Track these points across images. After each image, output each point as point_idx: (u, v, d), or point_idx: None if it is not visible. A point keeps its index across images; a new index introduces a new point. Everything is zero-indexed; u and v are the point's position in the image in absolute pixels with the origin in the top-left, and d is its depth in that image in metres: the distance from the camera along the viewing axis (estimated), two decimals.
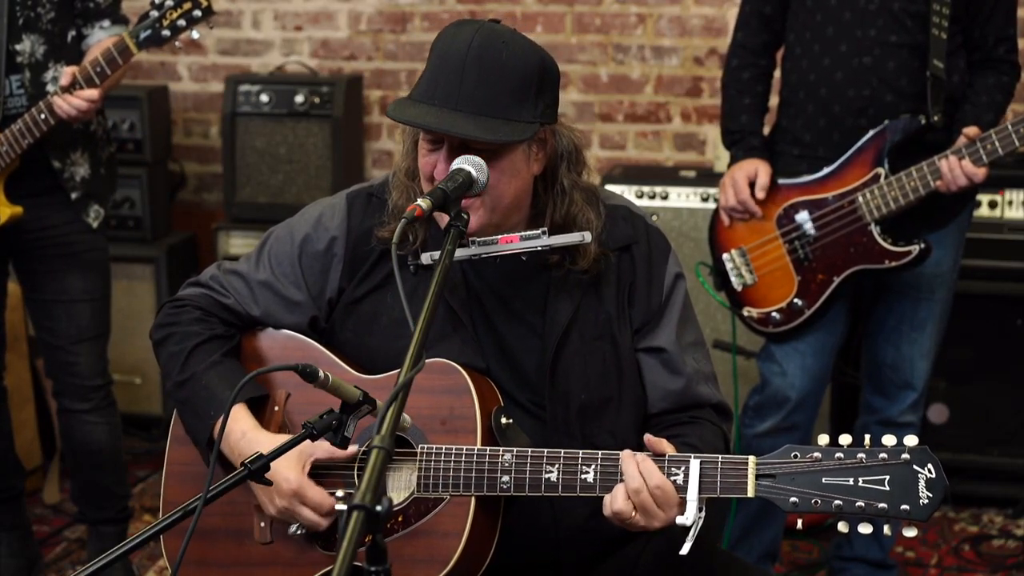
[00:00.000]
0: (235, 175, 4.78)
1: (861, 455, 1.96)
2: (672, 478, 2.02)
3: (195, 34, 3.26)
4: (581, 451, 2.08)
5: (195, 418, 2.24)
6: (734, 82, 3.41)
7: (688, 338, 2.32)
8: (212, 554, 2.24)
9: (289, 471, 2.13)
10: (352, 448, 2.12)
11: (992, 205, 4.11)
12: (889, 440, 1.96)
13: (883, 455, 1.95)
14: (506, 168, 2.13)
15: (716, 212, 3.45)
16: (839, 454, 1.97)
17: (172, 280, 4.72)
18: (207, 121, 5.21)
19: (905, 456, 1.94)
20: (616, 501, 2.02)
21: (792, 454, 1.99)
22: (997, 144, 3.11)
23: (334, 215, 2.32)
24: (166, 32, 3.22)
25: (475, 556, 2.12)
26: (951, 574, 3.89)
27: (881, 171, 3.20)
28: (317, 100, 4.73)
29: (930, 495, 1.93)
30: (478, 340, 2.23)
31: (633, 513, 2.02)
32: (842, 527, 2.00)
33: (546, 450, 2.09)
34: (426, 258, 2.19)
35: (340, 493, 2.15)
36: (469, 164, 2.08)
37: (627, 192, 4.17)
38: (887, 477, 1.94)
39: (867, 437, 1.98)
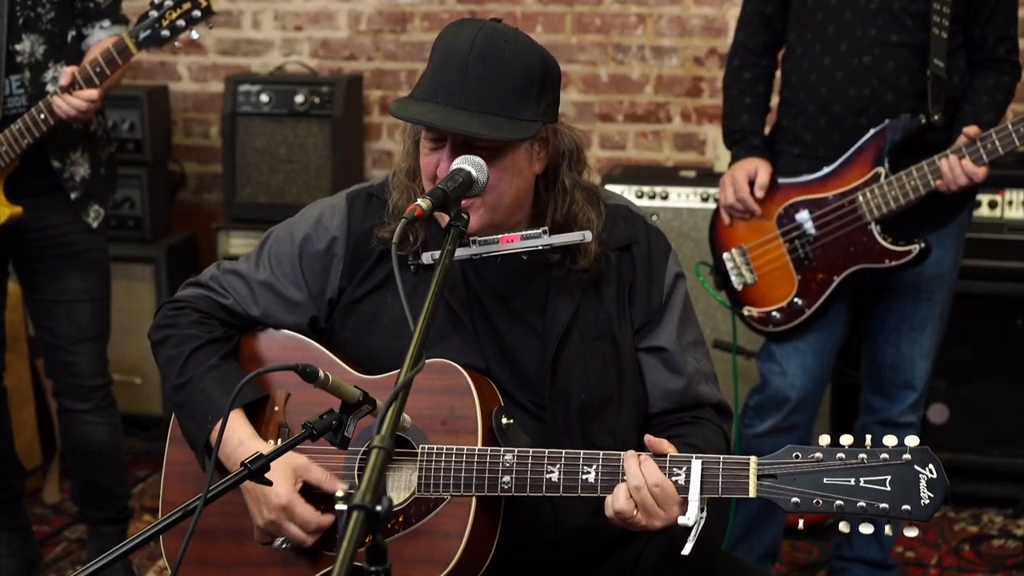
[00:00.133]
0: (235, 175, 4.78)
1: (862, 455, 1.96)
2: (674, 478, 2.02)
3: (194, 34, 3.26)
4: (582, 451, 2.08)
5: (192, 422, 2.23)
6: (735, 82, 3.41)
7: (688, 338, 2.32)
8: (212, 554, 2.24)
9: (280, 486, 2.13)
10: (342, 486, 2.13)
11: (992, 205, 4.11)
12: (890, 440, 1.96)
13: (884, 455, 1.95)
14: (508, 167, 2.13)
15: (716, 211, 3.45)
16: (840, 454, 1.97)
17: (172, 280, 4.72)
18: (207, 121, 5.21)
19: (906, 456, 1.94)
20: (618, 500, 2.02)
21: (793, 454, 1.99)
22: (997, 143, 3.11)
23: (334, 215, 2.32)
24: (165, 32, 3.22)
25: (476, 556, 2.12)
26: (951, 574, 3.89)
27: (881, 170, 3.20)
28: (317, 100, 4.73)
29: (931, 495, 1.93)
30: (478, 340, 2.23)
31: (635, 512, 2.02)
32: (843, 527, 2.00)
33: (547, 450, 2.09)
34: (427, 258, 2.19)
35: (340, 492, 2.15)
36: (469, 164, 2.08)
37: (627, 192, 4.17)
38: (888, 477, 1.94)
39: (868, 437, 1.98)
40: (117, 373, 3.95)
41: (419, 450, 2.13)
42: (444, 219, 2.07)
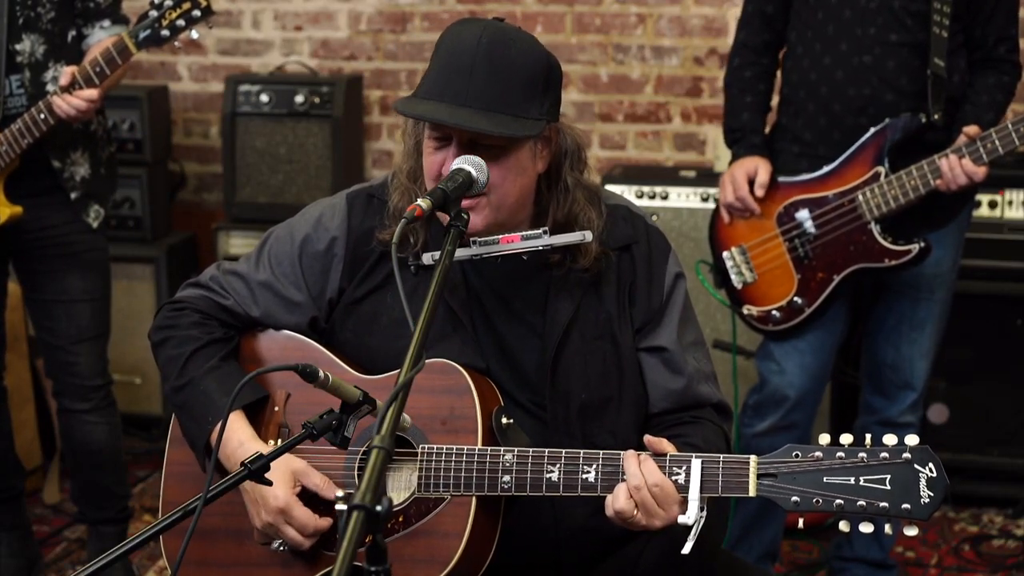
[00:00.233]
0: (235, 175, 4.77)
1: (862, 454, 1.96)
2: (674, 477, 2.02)
3: (194, 34, 3.26)
4: (582, 451, 2.08)
5: (193, 423, 2.23)
6: (736, 81, 3.41)
7: (689, 337, 2.32)
8: (212, 554, 2.24)
9: (279, 488, 2.13)
10: (339, 492, 2.13)
11: (992, 205, 4.11)
12: (890, 439, 1.96)
13: (884, 454, 1.95)
14: (513, 165, 2.14)
15: (716, 209, 3.45)
16: (840, 453, 1.97)
17: (172, 280, 4.72)
18: (207, 121, 5.21)
19: (906, 455, 1.94)
20: (618, 500, 2.02)
21: (793, 453, 1.99)
22: (997, 143, 3.11)
23: (334, 215, 2.32)
24: (165, 32, 3.22)
25: (476, 556, 2.12)
26: (951, 574, 3.89)
27: (881, 169, 3.21)
28: (317, 100, 4.73)
29: (931, 494, 1.93)
30: (478, 340, 2.23)
31: (635, 512, 2.02)
32: (843, 526, 2.00)
33: (547, 450, 2.09)
34: (427, 258, 2.19)
35: (340, 493, 2.15)
36: (469, 164, 2.08)
37: (627, 192, 4.17)
38: (888, 476, 1.94)
39: (868, 436, 1.99)
40: (117, 373, 3.95)
41: (419, 450, 2.13)
42: (446, 219, 2.07)
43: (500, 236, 2.16)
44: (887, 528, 1.96)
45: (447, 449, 2.11)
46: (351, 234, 2.30)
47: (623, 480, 2.03)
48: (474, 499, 2.10)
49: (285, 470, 2.15)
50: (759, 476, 1.99)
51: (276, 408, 2.26)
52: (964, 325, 4.08)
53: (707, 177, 4.27)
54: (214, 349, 2.28)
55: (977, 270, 4.09)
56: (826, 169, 3.27)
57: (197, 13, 3.22)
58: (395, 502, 2.14)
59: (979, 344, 4.17)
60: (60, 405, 3.65)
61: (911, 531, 1.95)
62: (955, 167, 3.12)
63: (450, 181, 2.03)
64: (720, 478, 2.01)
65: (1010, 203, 4.11)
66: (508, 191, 2.15)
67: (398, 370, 1.75)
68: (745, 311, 3.39)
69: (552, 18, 4.87)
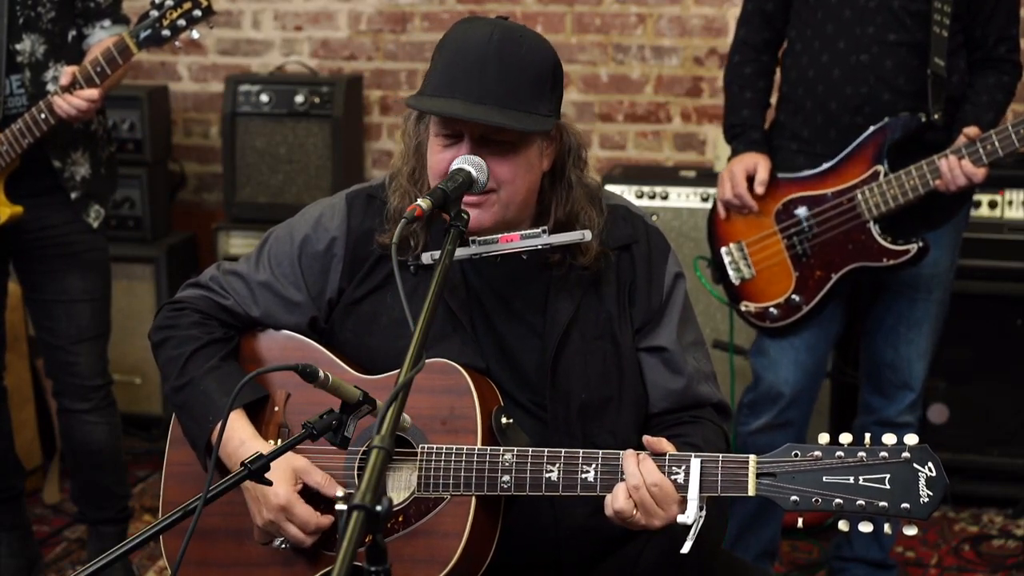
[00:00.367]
0: (235, 175, 4.78)
1: (862, 454, 1.96)
2: (673, 477, 2.02)
3: (195, 34, 3.26)
4: (581, 451, 2.08)
5: (193, 423, 2.24)
6: (736, 77, 3.42)
7: (689, 337, 2.32)
8: (212, 554, 2.24)
9: (280, 486, 2.13)
10: (341, 492, 2.13)
11: (992, 205, 4.11)
12: (889, 439, 1.96)
13: (883, 454, 1.95)
14: (522, 162, 2.14)
15: (714, 205, 3.45)
16: (840, 452, 1.97)
17: (172, 280, 4.72)
18: (207, 121, 5.21)
19: (906, 455, 1.94)
20: (617, 500, 2.02)
21: (793, 453, 1.99)
22: (997, 145, 3.11)
23: (334, 215, 2.32)
24: (166, 32, 3.22)
25: (475, 556, 2.12)
26: (951, 574, 3.89)
27: (881, 168, 3.21)
28: (317, 100, 4.73)
29: (931, 493, 1.93)
30: (477, 340, 2.23)
31: (634, 511, 2.02)
32: (843, 526, 2.00)
33: (546, 450, 2.09)
34: (427, 258, 2.19)
35: (340, 493, 2.15)
36: (469, 164, 2.09)
37: (627, 192, 4.17)
38: (888, 476, 1.94)
39: (867, 436, 1.99)
40: (117, 373, 3.95)
41: (419, 450, 2.13)
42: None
43: (499, 235, 2.16)
44: (886, 528, 1.96)
45: (447, 449, 2.11)
46: (351, 234, 2.30)
47: (622, 480, 2.03)
48: (474, 499, 2.10)
49: (286, 468, 2.15)
50: (758, 475, 1.99)
51: (276, 408, 2.26)
52: (964, 325, 4.08)
53: (707, 177, 4.27)
54: (214, 349, 2.28)
55: (977, 270, 4.09)
56: (825, 167, 3.27)
57: (198, 13, 3.22)
58: (395, 502, 2.14)
59: (979, 344, 4.17)
60: (60, 405, 3.65)
61: (910, 531, 1.95)
62: (954, 168, 3.13)
63: (450, 181, 2.04)
64: (719, 478, 2.01)
65: (1010, 203, 4.11)
66: (518, 188, 2.16)
67: (398, 370, 1.75)
68: (743, 307, 3.39)
69: (552, 18, 4.87)
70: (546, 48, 2.17)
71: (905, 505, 1.94)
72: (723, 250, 3.40)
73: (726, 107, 3.45)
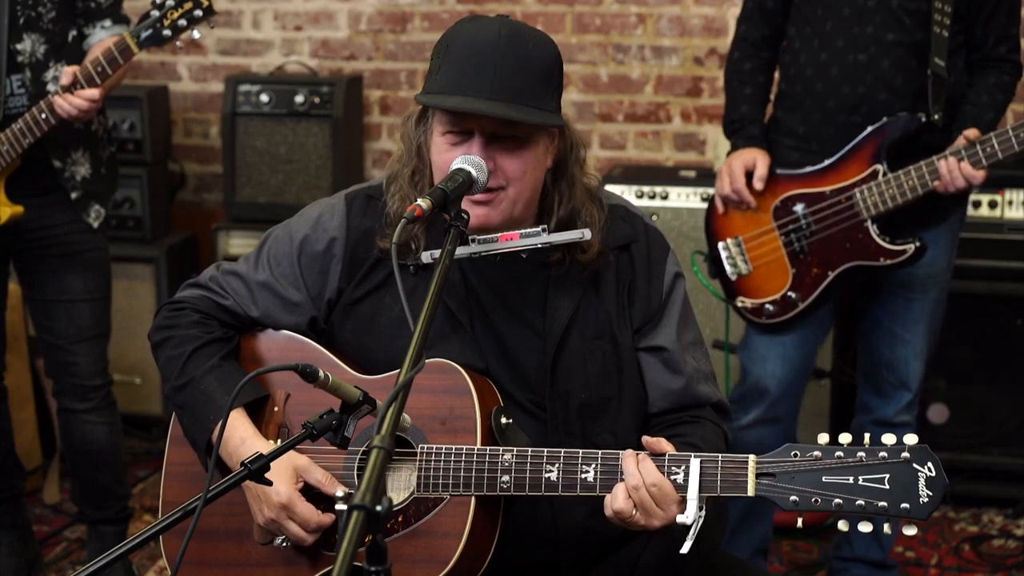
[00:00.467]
0: (235, 175, 4.78)
1: (861, 454, 1.96)
2: (672, 477, 2.02)
3: (196, 34, 3.26)
4: (581, 451, 2.08)
5: (194, 423, 2.23)
6: (736, 73, 3.43)
7: (688, 337, 2.32)
8: (212, 554, 2.24)
9: (281, 484, 2.13)
10: (342, 489, 2.13)
11: (992, 205, 4.11)
12: (889, 439, 1.96)
13: (883, 454, 1.95)
14: (531, 158, 2.15)
15: (712, 199, 3.46)
16: (839, 453, 1.97)
17: (172, 280, 4.72)
18: (207, 121, 5.21)
19: (905, 455, 1.94)
20: (616, 500, 2.02)
21: (792, 453, 1.99)
22: (997, 147, 3.12)
23: (333, 216, 2.32)
24: (167, 32, 3.22)
25: (475, 556, 2.12)
26: (951, 574, 3.89)
27: (879, 168, 3.21)
28: (317, 100, 4.73)
29: (930, 493, 1.93)
30: (476, 340, 2.23)
31: (633, 512, 2.02)
32: (842, 526, 2.00)
33: (546, 450, 2.09)
34: (426, 257, 2.20)
35: (340, 493, 2.15)
36: (469, 164, 2.09)
37: (627, 192, 4.18)
38: (887, 475, 1.94)
39: (867, 436, 1.99)
40: (117, 373, 3.96)
41: (418, 450, 2.13)
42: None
43: (499, 234, 2.16)
44: (886, 528, 1.96)
45: (446, 449, 2.11)
46: (350, 235, 2.30)
47: (621, 480, 2.03)
48: (473, 499, 2.10)
49: (287, 466, 2.15)
50: (758, 475, 1.99)
51: (276, 408, 2.26)
52: (964, 325, 4.08)
53: (707, 177, 4.27)
54: (214, 348, 2.28)
55: (977, 270, 4.09)
56: (824, 164, 3.27)
57: (199, 13, 3.22)
58: (395, 502, 2.14)
59: (979, 344, 4.18)
60: (60, 405, 3.65)
61: (910, 531, 1.95)
62: (954, 170, 3.13)
63: (450, 181, 2.04)
64: (719, 478, 2.01)
65: (1010, 203, 4.12)
66: (527, 185, 2.17)
67: (398, 370, 1.75)
68: (739, 303, 3.39)
69: (552, 18, 4.87)
70: (551, 45, 2.19)
71: (905, 505, 1.93)
72: (720, 245, 3.40)
73: (726, 102, 3.46)
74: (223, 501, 1.98)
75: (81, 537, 4.04)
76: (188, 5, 3.21)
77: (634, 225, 2.33)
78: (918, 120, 3.18)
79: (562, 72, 2.20)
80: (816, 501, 1.97)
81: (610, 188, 3.90)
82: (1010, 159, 3.16)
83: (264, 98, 4.72)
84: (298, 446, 1.96)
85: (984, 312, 4.14)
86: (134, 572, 3.75)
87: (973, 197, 4.07)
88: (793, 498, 1.98)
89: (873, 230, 3.23)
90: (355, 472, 2.19)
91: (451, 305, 2.23)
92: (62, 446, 3.94)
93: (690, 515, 2.00)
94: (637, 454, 2.05)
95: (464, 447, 2.11)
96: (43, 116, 3.26)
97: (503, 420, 2.14)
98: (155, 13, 3.22)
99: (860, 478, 1.95)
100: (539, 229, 2.17)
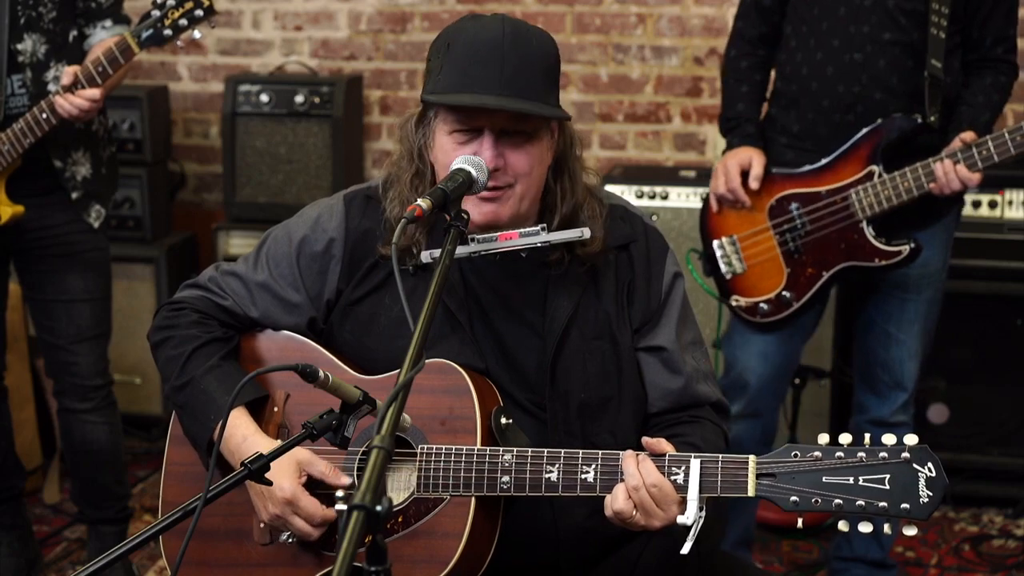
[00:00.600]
0: (235, 175, 4.78)
1: (861, 454, 1.96)
2: (672, 477, 2.02)
3: (197, 33, 3.26)
4: (581, 451, 2.08)
5: (195, 422, 2.23)
6: (732, 71, 3.43)
7: (687, 337, 2.32)
8: (212, 555, 2.24)
9: (285, 480, 2.13)
10: (345, 479, 2.14)
11: (992, 205, 4.11)
12: (889, 439, 1.96)
13: (883, 454, 1.95)
14: (537, 153, 2.16)
15: (707, 197, 3.45)
16: (839, 453, 1.97)
17: (172, 280, 4.72)
18: (207, 121, 5.21)
19: (905, 455, 1.94)
20: (617, 501, 2.02)
21: (792, 453, 1.99)
22: (992, 150, 3.12)
23: (332, 217, 2.32)
24: (168, 31, 3.22)
25: (475, 556, 2.12)
26: (951, 574, 3.89)
27: (875, 169, 3.21)
28: (317, 100, 4.73)
29: (930, 494, 1.93)
30: (476, 340, 2.23)
31: (634, 512, 2.02)
32: (842, 526, 2.00)
33: (546, 450, 2.09)
34: (425, 256, 2.20)
35: (340, 493, 2.15)
36: (469, 164, 2.09)
37: (627, 192, 4.18)
38: (887, 476, 1.94)
39: (867, 436, 1.99)
40: (117, 373, 3.95)
41: (418, 450, 2.13)
42: (466, 203, 2.09)
43: (498, 233, 2.16)
44: (886, 528, 1.96)
45: (446, 449, 2.11)
46: (349, 235, 2.30)
47: (622, 480, 2.03)
48: (473, 499, 2.10)
49: (290, 460, 2.14)
50: (758, 476, 1.99)
51: (276, 408, 2.26)
52: (964, 325, 4.08)
53: (707, 177, 4.24)
54: (214, 348, 2.28)
55: (977, 270, 4.09)
56: (819, 164, 3.27)
57: (200, 12, 3.22)
58: (395, 502, 2.14)
59: (979, 344, 4.18)
60: (60, 405, 3.65)
61: (910, 531, 1.95)
62: (949, 172, 3.13)
63: (450, 181, 2.04)
64: (719, 478, 2.01)
65: (1010, 203, 4.12)
66: (534, 180, 2.18)
67: (398, 370, 1.75)
68: (733, 302, 3.40)
69: (552, 18, 4.87)
70: (551, 41, 2.21)
71: (905, 505, 1.93)
72: (715, 243, 3.40)
73: (722, 100, 3.46)
74: (223, 501, 1.98)
75: (81, 537, 4.04)
76: (189, 5, 3.21)
77: (633, 225, 2.33)
78: (914, 121, 3.18)
79: (559, 68, 2.22)
80: (816, 501, 1.97)
81: (610, 188, 3.90)
82: (1008, 161, 3.17)
83: (264, 98, 4.72)
84: None
85: (984, 312, 4.14)
86: (134, 572, 3.75)
87: (973, 197, 4.07)
88: (793, 498, 1.98)
89: (868, 231, 3.23)
90: (355, 472, 2.19)
91: (450, 305, 2.23)
92: (62, 446, 3.94)
93: (690, 515, 2.00)
94: (637, 455, 2.05)
95: (464, 447, 2.11)
96: (44, 116, 3.26)
97: (503, 420, 2.14)
98: (156, 13, 3.22)
99: (860, 478, 1.95)
100: (538, 228, 2.17)
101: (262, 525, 2.22)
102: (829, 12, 3.24)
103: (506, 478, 2.09)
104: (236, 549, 2.24)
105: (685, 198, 4.19)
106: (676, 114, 4.86)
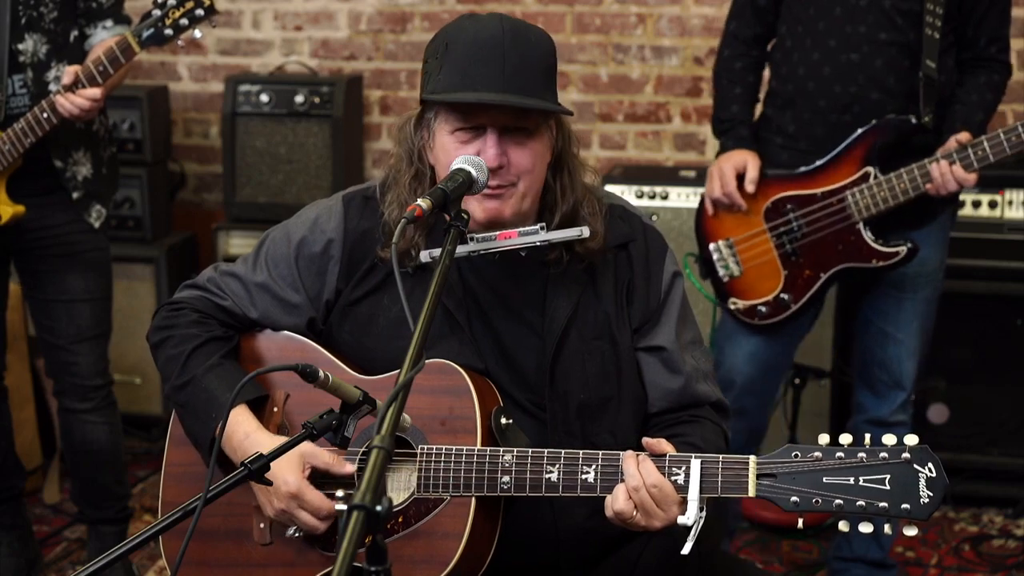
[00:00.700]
0: (235, 175, 4.78)
1: (862, 454, 1.96)
2: (673, 478, 2.02)
3: (198, 33, 3.25)
4: (581, 451, 2.08)
5: (196, 421, 2.23)
6: (726, 71, 3.42)
7: (687, 336, 2.32)
8: (212, 555, 2.24)
9: (289, 474, 2.13)
10: (349, 467, 2.14)
11: (992, 205, 4.11)
12: (889, 439, 1.96)
13: (884, 454, 1.95)
14: (539, 151, 2.17)
15: (702, 201, 3.45)
16: (840, 453, 1.97)
17: (172, 280, 4.71)
18: (207, 121, 5.21)
19: (906, 455, 1.94)
20: (617, 501, 2.02)
21: (793, 453, 1.99)
22: (988, 151, 3.12)
23: (331, 217, 2.32)
24: (169, 31, 3.22)
25: (475, 557, 2.12)
26: (951, 574, 3.89)
27: (871, 170, 3.21)
28: (317, 100, 4.73)
29: (931, 494, 1.93)
30: (475, 340, 2.23)
31: (634, 513, 2.02)
32: (843, 526, 2.01)
33: (546, 450, 2.09)
34: (424, 256, 2.19)
35: (340, 493, 2.15)
36: (469, 164, 2.09)
37: (627, 192, 4.17)
38: (888, 476, 1.94)
39: (867, 436, 1.99)
40: (117, 373, 3.95)
41: (418, 451, 2.13)
42: (468, 202, 2.10)
43: (497, 232, 2.16)
44: (886, 528, 1.96)
45: (446, 450, 2.11)
46: (347, 236, 2.30)
47: (622, 481, 2.03)
48: (473, 500, 2.10)
49: (293, 454, 2.14)
50: (758, 476, 1.99)
51: (275, 408, 2.26)
52: (964, 325, 4.08)
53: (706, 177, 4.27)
54: (214, 347, 2.28)
55: (977, 270, 4.09)
56: (814, 165, 3.27)
57: (200, 12, 3.21)
58: (395, 502, 2.14)
59: (979, 344, 4.17)
60: (61, 405, 3.65)
61: (911, 531, 1.95)
62: (946, 173, 3.13)
63: (450, 181, 2.04)
64: (719, 478, 2.01)
65: (1010, 203, 4.11)
66: (536, 177, 2.19)
67: (397, 370, 1.75)
68: (731, 304, 3.39)
69: (552, 18, 4.86)
70: (548, 39, 2.22)
71: (905, 506, 1.94)
72: (711, 247, 3.40)
73: (715, 101, 3.46)
74: (223, 501, 1.98)
75: (81, 537, 4.04)
76: (190, 4, 3.21)
77: (632, 224, 2.33)
78: (908, 122, 3.18)
79: (557, 66, 2.23)
80: (817, 502, 1.97)
81: (610, 188, 3.91)
82: (1008, 160, 3.16)
83: (264, 98, 4.72)
84: None
85: (984, 312, 4.14)
86: (134, 572, 3.75)
87: (973, 197, 4.07)
88: (794, 499, 1.98)
89: (865, 232, 3.23)
90: (355, 472, 2.19)
91: (449, 305, 2.23)
92: (62, 446, 3.94)
93: (691, 516, 2.00)
94: (637, 455, 2.05)
95: (464, 448, 2.11)
96: (45, 116, 3.25)
97: (503, 420, 2.14)
98: (157, 12, 3.22)
99: (861, 479, 1.95)
100: (537, 227, 2.17)
101: (262, 525, 2.23)
102: (825, 12, 3.24)
103: (506, 478, 2.09)
104: (236, 549, 2.24)
105: (685, 198, 4.19)
106: (676, 114, 4.85)
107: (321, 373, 1.88)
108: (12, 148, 3.29)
